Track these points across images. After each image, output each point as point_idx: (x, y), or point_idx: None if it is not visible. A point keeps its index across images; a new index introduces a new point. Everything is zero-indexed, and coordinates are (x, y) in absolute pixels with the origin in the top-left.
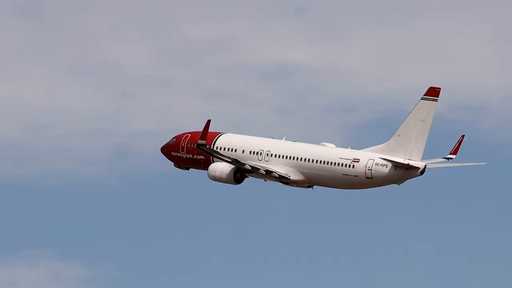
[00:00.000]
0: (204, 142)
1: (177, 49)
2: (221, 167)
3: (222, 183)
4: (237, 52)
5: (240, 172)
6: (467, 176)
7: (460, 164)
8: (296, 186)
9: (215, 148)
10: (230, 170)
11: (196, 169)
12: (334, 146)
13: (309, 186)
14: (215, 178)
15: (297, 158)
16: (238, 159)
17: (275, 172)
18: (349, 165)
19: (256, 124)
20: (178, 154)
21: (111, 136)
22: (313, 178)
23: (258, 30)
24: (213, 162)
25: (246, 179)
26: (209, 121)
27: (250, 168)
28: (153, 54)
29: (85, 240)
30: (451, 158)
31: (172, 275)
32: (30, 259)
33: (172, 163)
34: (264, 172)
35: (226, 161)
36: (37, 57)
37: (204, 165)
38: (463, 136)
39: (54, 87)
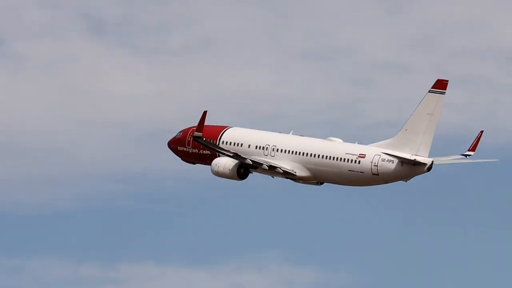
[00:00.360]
0: (200, 134)
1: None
2: (224, 162)
3: (226, 179)
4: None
5: (244, 168)
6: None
7: (471, 161)
8: (303, 183)
9: (221, 143)
10: (234, 165)
11: (203, 164)
12: (341, 141)
13: (318, 183)
14: (218, 174)
15: (303, 154)
16: (239, 154)
17: (279, 168)
18: (355, 161)
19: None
20: (184, 149)
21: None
22: (319, 174)
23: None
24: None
25: (251, 175)
26: (205, 113)
27: (251, 163)
28: (389, 37)
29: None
30: (469, 155)
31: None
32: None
33: (180, 158)
34: (267, 167)
35: (227, 156)
36: (267, 42)
37: (210, 160)
38: (481, 131)
39: (283, 73)
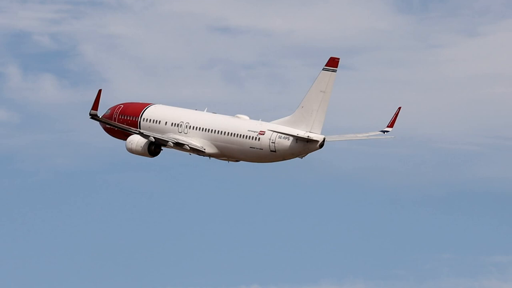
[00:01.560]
0: (95, 112)
1: None
2: (137, 140)
3: (139, 156)
4: None
5: (155, 145)
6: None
7: (365, 137)
8: (215, 159)
9: (142, 120)
10: (145, 143)
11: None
12: (248, 118)
13: (227, 160)
14: (131, 150)
15: (211, 131)
16: (143, 131)
17: (187, 145)
18: (256, 138)
19: None
20: (111, 126)
21: None
22: (225, 151)
23: None
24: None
25: (166, 152)
26: (99, 91)
27: (153, 140)
28: None
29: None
30: (387, 131)
31: None
32: None
33: (109, 134)
34: (172, 145)
35: (133, 132)
36: None
37: None
38: (399, 108)
39: None
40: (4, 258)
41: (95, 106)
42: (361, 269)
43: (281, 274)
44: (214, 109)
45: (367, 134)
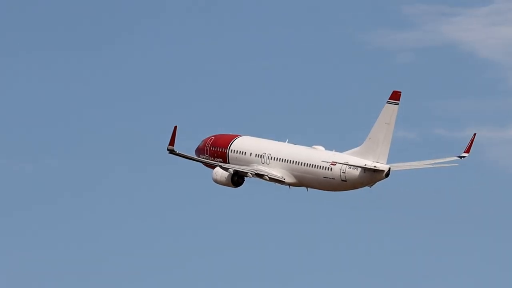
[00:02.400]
0: (172, 148)
1: None
2: (221, 171)
3: (223, 186)
4: None
5: (238, 176)
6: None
7: (430, 166)
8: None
9: (230, 151)
10: (228, 174)
11: None
12: (323, 148)
13: (306, 188)
14: (216, 181)
15: (289, 161)
16: (221, 164)
17: (266, 175)
18: (328, 168)
19: None
20: (204, 157)
21: None
22: (303, 181)
23: None
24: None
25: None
26: (175, 128)
27: (232, 172)
28: None
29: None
30: (464, 156)
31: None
32: None
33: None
34: (251, 176)
35: (214, 165)
36: None
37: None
38: (475, 134)
39: None
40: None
41: (172, 141)
42: None
43: None
44: (294, 139)
45: (432, 162)
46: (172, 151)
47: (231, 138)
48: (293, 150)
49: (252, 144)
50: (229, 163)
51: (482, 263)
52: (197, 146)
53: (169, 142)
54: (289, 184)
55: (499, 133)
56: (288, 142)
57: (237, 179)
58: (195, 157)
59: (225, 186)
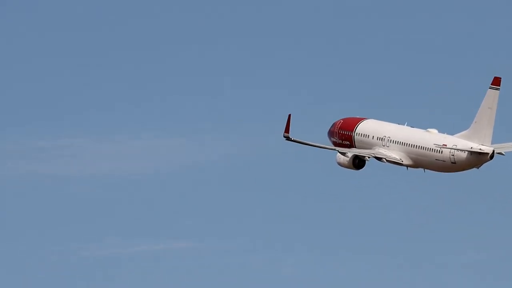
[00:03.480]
0: (288, 135)
1: None
2: (346, 154)
3: (346, 168)
4: None
5: (359, 159)
6: None
7: None
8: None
9: (355, 134)
10: (350, 157)
11: None
12: (436, 131)
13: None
14: (340, 164)
15: (406, 144)
16: (338, 149)
17: (384, 158)
18: (439, 151)
19: None
20: (334, 140)
21: None
22: (418, 162)
23: None
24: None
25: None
26: (289, 116)
27: (350, 155)
28: None
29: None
30: None
31: None
32: None
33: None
34: (368, 159)
35: (329, 149)
36: None
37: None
38: None
39: None
40: None
41: (287, 129)
42: None
43: None
44: (413, 123)
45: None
46: (288, 138)
47: (357, 121)
48: (410, 133)
49: (375, 127)
50: (355, 146)
51: None
52: (328, 129)
53: (285, 129)
54: (407, 166)
55: None
56: (406, 125)
57: (358, 162)
58: (310, 142)
59: (348, 169)
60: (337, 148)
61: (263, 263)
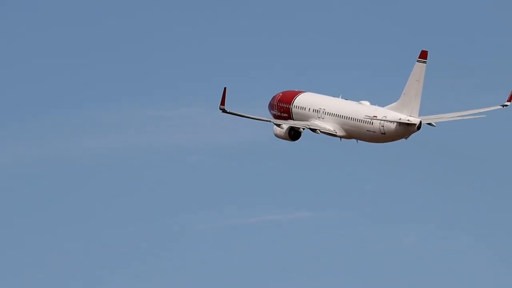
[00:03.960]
0: (223, 107)
1: None
2: (282, 126)
3: (283, 139)
4: None
5: (294, 131)
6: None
7: (459, 118)
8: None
9: (293, 106)
10: (286, 129)
11: None
12: (368, 103)
13: (356, 140)
14: (276, 135)
15: (339, 116)
16: (272, 121)
17: (318, 129)
18: (370, 122)
19: None
20: (274, 112)
21: None
22: (351, 134)
23: None
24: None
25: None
26: (225, 89)
27: (285, 126)
28: None
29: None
30: (506, 105)
31: None
32: None
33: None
34: (302, 130)
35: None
36: None
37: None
38: None
39: None
40: None
41: (223, 101)
42: None
43: None
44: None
45: (461, 114)
46: (224, 110)
47: (295, 94)
48: (343, 106)
49: (311, 100)
50: (293, 118)
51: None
52: (269, 102)
53: (221, 102)
54: (340, 137)
55: None
56: (341, 97)
57: (293, 133)
58: (245, 114)
59: (284, 140)
60: (272, 120)
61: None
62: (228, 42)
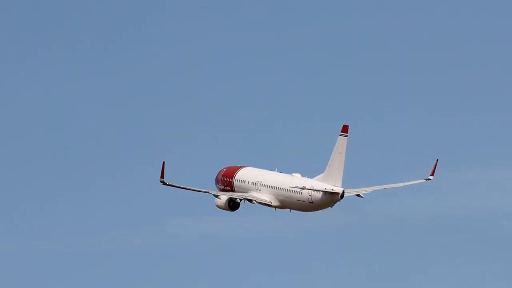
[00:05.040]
0: (163, 180)
1: None
2: (222, 197)
3: (223, 210)
4: None
5: (233, 202)
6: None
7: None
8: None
9: (235, 180)
10: (226, 200)
11: None
12: (299, 175)
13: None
14: (218, 206)
15: (274, 187)
16: (211, 192)
17: (254, 200)
18: (300, 192)
19: None
20: (219, 186)
21: None
22: (285, 203)
23: None
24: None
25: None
26: (163, 163)
27: (224, 198)
28: None
29: None
30: (429, 179)
31: None
32: None
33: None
34: (239, 201)
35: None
36: None
37: None
38: (437, 159)
39: None
40: None
41: (162, 174)
42: None
43: None
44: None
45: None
46: (164, 183)
47: (237, 169)
48: (277, 178)
49: (250, 173)
50: (235, 190)
51: None
52: (215, 176)
53: (160, 175)
54: (275, 207)
55: None
56: (276, 171)
57: (232, 204)
58: (185, 186)
59: (225, 210)
60: (210, 191)
61: None
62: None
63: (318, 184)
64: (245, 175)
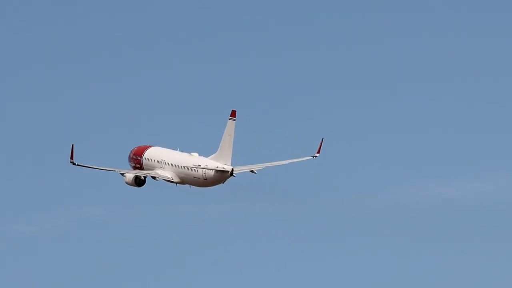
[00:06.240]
0: (72, 161)
1: None
2: (128, 175)
3: (131, 186)
4: None
5: (139, 179)
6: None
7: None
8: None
9: (143, 158)
10: (132, 177)
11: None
12: (197, 154)
13: (189, 186)
14: (126, 183)
15: (175, 165)
16: (117, 170)
17: (157, 177)
18: (196, 170)
19: None
20: (131, 164)
21: None
22: (183, 180)
23: None
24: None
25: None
26: (72, 145)
27: (131, 175)
28: None
29: None
30: (316, 156)
31: None
32: None
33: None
34: (143, 178)
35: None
36: None
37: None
38: (322, 139)
39: None
40: None
41: (72, 156)
42: None
43: None
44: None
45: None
46: (73, 163)
47: (145, 148)
48: (178, 157)
49: (157, 153)
50: (143, 168)
51: None
52: (128, 155)
53: (70, 157)
54: (176, 183)
55: None
56: (179, 150)
57: (139, 181)
58: (93, 166)
59: (132, 186)
60: (116, 170)
61: None
62: None
63: (211, 163)
64: (152, 154)
